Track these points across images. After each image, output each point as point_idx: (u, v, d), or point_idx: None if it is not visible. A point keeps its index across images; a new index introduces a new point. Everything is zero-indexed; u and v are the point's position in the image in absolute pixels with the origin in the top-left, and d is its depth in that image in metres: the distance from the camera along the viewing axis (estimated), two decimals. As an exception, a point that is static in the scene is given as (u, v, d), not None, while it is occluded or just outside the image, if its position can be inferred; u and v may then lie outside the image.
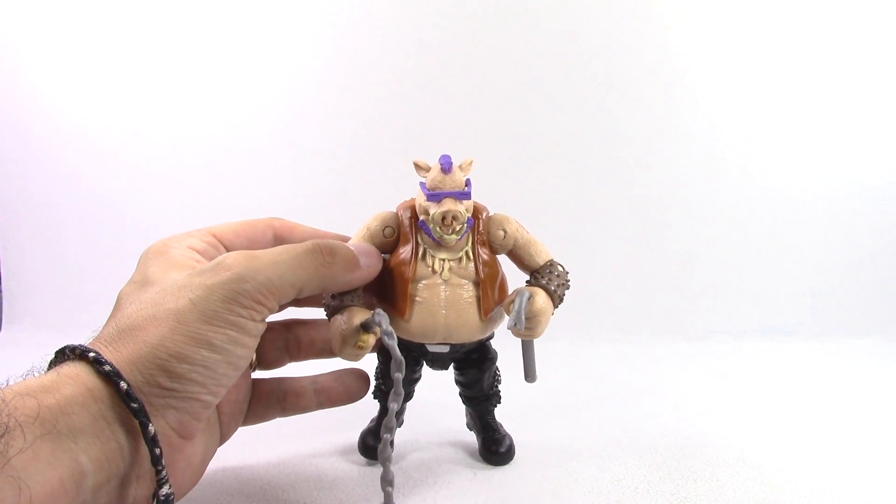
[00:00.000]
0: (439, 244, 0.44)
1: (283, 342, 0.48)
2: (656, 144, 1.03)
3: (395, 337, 0.39)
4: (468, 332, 0.44)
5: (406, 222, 0.45)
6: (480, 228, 0.45)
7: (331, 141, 1.02)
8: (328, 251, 0.39)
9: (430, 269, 0.44)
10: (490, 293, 0.45)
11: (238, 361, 0.35)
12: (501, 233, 0.46)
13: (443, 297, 0.43)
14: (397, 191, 0.50)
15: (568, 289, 0.46)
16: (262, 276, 0.35)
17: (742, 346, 0.93)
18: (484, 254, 0.45)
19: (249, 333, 0.35)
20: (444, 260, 0.44)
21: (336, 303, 0.43)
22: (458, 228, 0.43)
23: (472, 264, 0.44)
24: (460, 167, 0.44)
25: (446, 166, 0.43)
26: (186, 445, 0.35)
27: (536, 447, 0.55)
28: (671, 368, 0.83)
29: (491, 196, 0.50)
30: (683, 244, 1.03)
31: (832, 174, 1.03)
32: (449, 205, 0.42)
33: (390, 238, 0.45)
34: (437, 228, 0.43)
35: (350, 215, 0.53)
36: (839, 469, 0.52)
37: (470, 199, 0.44)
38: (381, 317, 0.39)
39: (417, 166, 0.44)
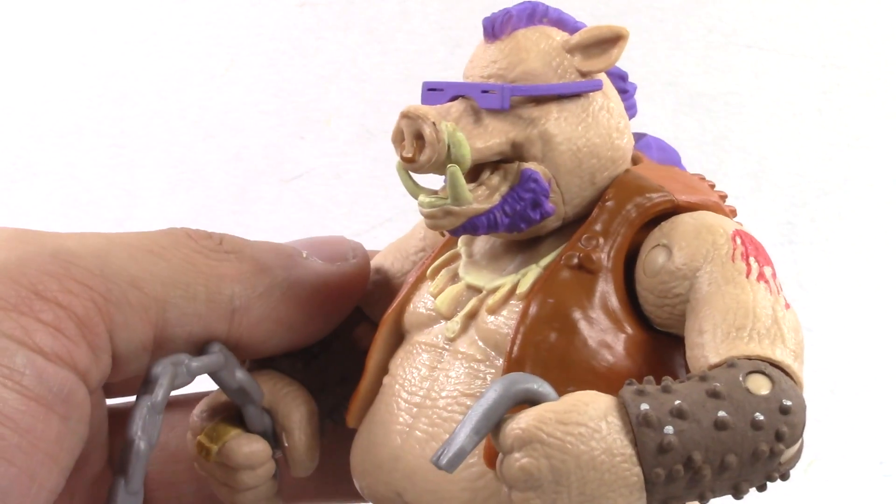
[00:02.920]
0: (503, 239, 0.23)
1: None
2: None
3: (239, 379, 0.23)
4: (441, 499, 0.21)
5: None
6: (631, 213, 0.21)
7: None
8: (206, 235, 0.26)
9: (430, 300, 0.23)
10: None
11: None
12: (661, 255, 0.21)
13: (425, 383, 0.22)
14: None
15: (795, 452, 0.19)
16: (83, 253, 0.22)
17: None
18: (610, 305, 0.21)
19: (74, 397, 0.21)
20: (471, 289, 0.22)
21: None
22: (428, 160, 0.20)
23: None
24: (544, 22, 0.22)
25: (489, 24, 0.22)
26: None
27: None
28: None
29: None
30: None
31: None
32: (415, 107, 0.21)
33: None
34: (400, 169, 0.22)
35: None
36: None
37: (505, 104, 0.21)
38: (216, 354, 0.23)
39: None
